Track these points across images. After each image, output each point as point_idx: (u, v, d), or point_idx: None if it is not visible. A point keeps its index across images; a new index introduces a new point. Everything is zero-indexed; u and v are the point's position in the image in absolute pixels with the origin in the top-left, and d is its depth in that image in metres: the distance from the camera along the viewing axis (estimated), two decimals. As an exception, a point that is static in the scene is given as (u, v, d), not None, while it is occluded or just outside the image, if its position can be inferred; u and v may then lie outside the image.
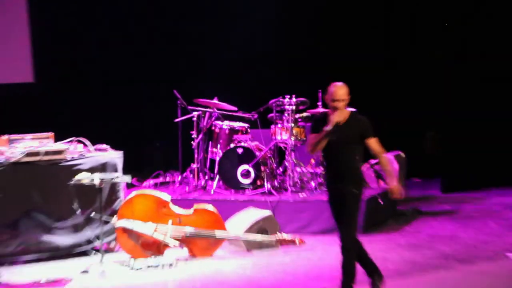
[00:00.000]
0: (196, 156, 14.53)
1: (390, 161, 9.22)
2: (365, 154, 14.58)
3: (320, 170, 14.12)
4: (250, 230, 11.92)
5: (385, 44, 19.31)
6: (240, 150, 13.91)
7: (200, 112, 14.55)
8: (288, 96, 14.12)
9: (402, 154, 15.13)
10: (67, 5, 19.11)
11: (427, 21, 18.47)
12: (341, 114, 9.45)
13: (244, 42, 18.51)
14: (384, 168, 9.67)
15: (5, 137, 11.77)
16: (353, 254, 9.27)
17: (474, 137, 16.62)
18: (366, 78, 17.92)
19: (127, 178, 12.22)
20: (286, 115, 13.91)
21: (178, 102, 14.67)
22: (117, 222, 11.55)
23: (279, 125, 13.93)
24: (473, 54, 17.16)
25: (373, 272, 9.49)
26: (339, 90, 9.66)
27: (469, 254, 11.28)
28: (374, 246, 11.82)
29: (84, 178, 11.49)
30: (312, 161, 14.33)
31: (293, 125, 13.88)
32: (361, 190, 9.48)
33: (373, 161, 14.75)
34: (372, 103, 16.36)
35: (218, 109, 14.64)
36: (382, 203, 13.62)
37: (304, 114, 14.29)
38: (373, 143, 9.51)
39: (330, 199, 9.51)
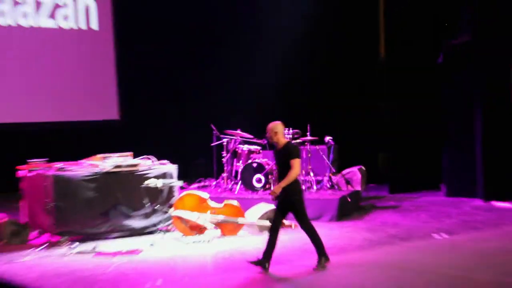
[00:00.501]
0: (225, 168, 14.65)
1: (291, 177, 8.90)
2: (339, 166, 14.89)
3: (306, 178, 14.24)
4: (261, 217, 12.10)
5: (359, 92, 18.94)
6: (254, 165, 14.05)
7: (228, 139, 14.67)
8: (287, 129, 13.87)
9: (363, 168, 15.22)
10: (141, 65, 19.11)
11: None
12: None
13: (257, 95, 18.52)
14: (287, 179, 9.24)
15: (100, 155, 11.97)
16: (315, 231, 9.45)
17: (410, 154, 16.69)
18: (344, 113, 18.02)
19: (180, 183, 12.63)
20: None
21: (214, 132, 14.84)
22: (173, 212, 11.83)
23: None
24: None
25: (321, 253, 9.43)
26: (267, 128, 9.69)
27: (407, 234, 11.48)
28: (344, 229, 12.15)
29: (151, 183, 11.86)
30: (302, 171, 14.28)
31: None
32: (300, 195, 9.50)
33: (344, 172, 14.92)
34: (345, 130, 16.41)
35: (241, 137, 14.74)
36: (349, 200, 13.79)
37: (298, 140, 14.10)
38: (292, 162, 9.23)
39: (283, 203, 9.54)
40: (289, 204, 9.48)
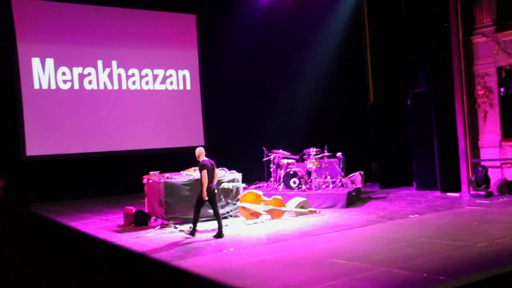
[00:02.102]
0: (272, 175, 14.38)
1: (203, 182, 9.80)
2: (346, 172, 14.73)
3: (325, 180, 14.11)
4: (296, 206, 11.90)
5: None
6: (291, 172, 13.77)
7: (274, 155, 14.39)
8: (312, 148, 13.93)
9: (362, 172, 14.95)
10: (217, 109, 19.27)
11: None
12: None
13: (291, 125, 18.55)
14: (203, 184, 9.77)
15: (192, 168, 11.79)
16: (219, 215, 9.97)
17: (392, 162, 16.41)
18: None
19: (243, 185, 12.44)
20: (311, 156, 13.90)
21: (264, 151, 14.60)
22: (239, 203, 11.69)
23: (308, 160, 13.90)
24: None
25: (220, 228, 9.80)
26: (196, 152, 10.12)
27: (392, 215, 11.20)
28: (351, 213, 11.87)
29: (225, 185, 11.72)
30: (323, 176, 14.18)
31: (314, 160, 13.81)
32: (209, 193, 9.84)
33: (350, 175, 14.72)
34: (349, 148, 16.34)
35: (282, 154, 14.47)
36: (354, 194, 13.52)
37: (319, 155, 14.03)
38: (201, 174, 9.78)
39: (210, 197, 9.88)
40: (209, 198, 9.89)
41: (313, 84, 18.98)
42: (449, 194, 13.97)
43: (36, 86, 16.40)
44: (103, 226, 11.71)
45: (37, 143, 16.29)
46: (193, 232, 9.98)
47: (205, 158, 10.04)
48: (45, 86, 16.53)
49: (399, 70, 16.19)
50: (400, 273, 6.67)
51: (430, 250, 7.84)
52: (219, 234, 9.80)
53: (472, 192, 13.72)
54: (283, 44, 19.32)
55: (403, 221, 10.55)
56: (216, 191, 10.16)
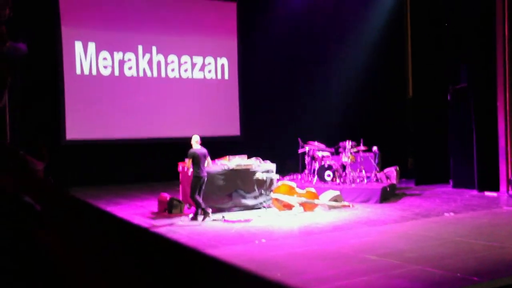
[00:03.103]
0: (307, 167, 14.36)
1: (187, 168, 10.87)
2: (382, 167, 14.60)
3: (360, 174, 14.02)
4: (330, 200, 11.84)
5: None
6: (326, 165, 13.71)
7: (309, 147, 14.35)
8: (347, 141, 13.82)
9: (398, 168, 14.84)
10: (254, 100, 19.27)
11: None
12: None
13: (327, 118, 18.47)
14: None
15: (227, 157, 11.94)
16: (198, 201, 10.40)
17: (429, 158, 16.17)
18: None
19: (277, 176, 12.41)
20: (347, 149, 13.81)
21: (299, 143, 14.56)
22: (272, 195, 11.68)
23: (343, 154, 13.82)
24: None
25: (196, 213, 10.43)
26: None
27: (427, 213, 11.06)
28: (385, 209, 11.76)
29: (259, 176, 11.73)
30: (358, 170, 14.09)
31: (349, 154, 13.70)
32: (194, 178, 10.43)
33: (385, 170, 14.61)
34: (385, 142, 16.20)
35: (317, 146, 14.42)
36: (388, 189, 13.38)
37: (354, 149, 13.96)
38: (186, 160, 10.52)
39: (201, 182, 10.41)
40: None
41: (351, 76, 18.85)
42: (486, 193, 13.71)
43: (78, 71, 16.66)
44: (137, 212, 11.85)
45: (77, 128, 16.56)
46: (195, 216, 10.46)
47: (197, 147, 10.57)
48: (86, 72, 16.78)
49: (440, 64, 15.94)
50: (433, 271, 6.59)
51: (465, 250, 7.71)
52: (194, 217, 10.46)
53: (511, 192, 13.46)
54: (322, 35, 19.20)
55: (438, 219, 10.41)
56: (205, 179, 10.56)
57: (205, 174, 10.56)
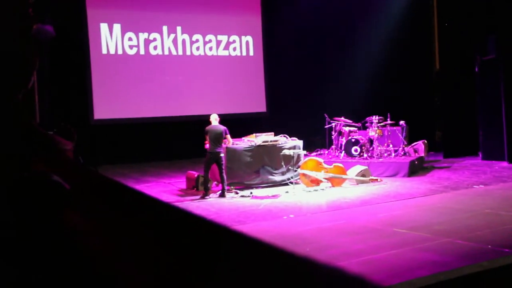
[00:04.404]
0: (334, 142, 14.31)
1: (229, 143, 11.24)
2: (409, 141, 14.50)
3: (388, 148, 13.92)
4: (357, 174, 11.82)
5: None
6: (353, 140, 13.59)
7: (335, 123, 14.27)
8: (374, 116, 13.74)
9: (425, 141, 14.73)
10: (280, 76, 19.21)
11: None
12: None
13: (355, 93, 18.32)
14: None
15: (254, 134, 11.91)
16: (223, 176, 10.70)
17: (457, 131, 15.93)
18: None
19: (304, 152, 12.41)
20: (373, 123, 13.71)
21: (326, 119, 14.48)
22: (300, 170, 11.68)
23: (370, 128, 13.73)
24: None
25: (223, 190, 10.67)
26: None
27: (456, 185, 10.97)
28: (413, 182, 11.69)
29: (286, 152, 11.72)
30: (385, 145, 13.99)
31: (376, 128, 13.61)
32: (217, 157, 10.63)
33: (413, 144, 14.53)
34: (413, 116, 16.04)
35: (344, 122, 14.32)
36: (416, 163, 13.32)
37: (381, 123, 13.86)
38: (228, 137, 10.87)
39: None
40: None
41: (377, 50, 18.61)
42: (517, 165, 13.55)
43: (104, 51, 16.78)
44: (166, 189, 11.98)
45: (105, 107, 16.72)
46: (205, 193, 10.66)
47: (214, 124, 10.80)
48: (112, 51, 16.89)
49: (467, 35, 15.62)
50: (463, 244, 6.54)
51: (495, 221, 7.64)
52: (222, 194, 10.65)
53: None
54: (348, 9, 18.94)
55: (467, 191, 10.34)
56: (222, 155, 10.68)
57: (219, 150, 10.67)
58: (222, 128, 10.72)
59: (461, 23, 15.75)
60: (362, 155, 13.40)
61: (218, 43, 18.56)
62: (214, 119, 10.85)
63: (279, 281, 0.69)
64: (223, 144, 10.88)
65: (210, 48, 18.44)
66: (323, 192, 10.99)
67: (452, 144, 15.95)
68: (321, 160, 11.92)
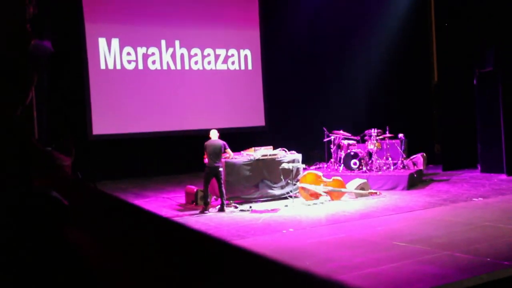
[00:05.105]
0: (333, 156, 14.27)
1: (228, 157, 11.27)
2: (408, 153, 14.50)
3: (386, 161, 13.92)
4: (357, 188, 11.81)
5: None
6: (352, 153, 13.58)
7: (334, 136, 14.25)
8: (373, 129, 13.73)
9: (424, 154, 14.74)
10: (278, 91, 19.23)
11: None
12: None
13: (353, 107, 18.37)
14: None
15: (253, 148, 11.89)
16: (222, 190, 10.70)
17: (456, 144, 15.96)
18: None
19: (303, 166, 12.41)
20: (372, 137, 13.71)
21: (325, 132, 14.45)
22: (299, 184, 11.66)
23: (369, 141, 13.73)
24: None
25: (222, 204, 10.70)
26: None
27: (455, 198, 10.97)
28: (412, 196, 11.69)
29: (285, 166, 11.72)
30: (384, 158, 13.99)
31: (375, 141, 13.61)
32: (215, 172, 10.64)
33: (411, 157, 14.53)
34: (412, 129, 16.06)
35: (342, 135, 14.30)
36: (415, 176, 13.32)
37: (380, 137, 13.85)
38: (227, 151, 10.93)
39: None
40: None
41: (375, 63, 18.68)
42: (516, 177, 13.56)
43: (103, 66, 16.80)
44: (165, 204, 11.95)
45: (103, 122, 16.71)
46: (205, 207, 10.64)
47: (214, 139, 10.86)
48: (111, 66, 16.91)
49: (465, 48, 15.69)
50: (462, 257, 6.53)
51: (494, 234, 7.63)
52: (221, 208, 10.67)
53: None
54: (346, 23, 19.00)
55: (467, 204, 10.33)
56: (220, 169, 10.71)
57: (218, 165, 10.69)
58: (221, 142, 10.73)
59: (459, 36, 15.83)
60: (361, 168, 13.38)
61: (217, 57, 18.60)
62: (214, 135, 10.89)
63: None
64: (222, 158, 10.89)
65: (209, 62, 18.47)
66: (323, 206, 10.98)
67: (451, 157, 15.95)
68: (320, 173, 11.90)
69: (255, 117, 19.02)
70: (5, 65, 0.96)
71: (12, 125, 0.91)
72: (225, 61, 18.76)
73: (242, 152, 12.07)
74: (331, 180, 11.71)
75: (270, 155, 11.85)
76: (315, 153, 16.32)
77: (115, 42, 16.94)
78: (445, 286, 5.48)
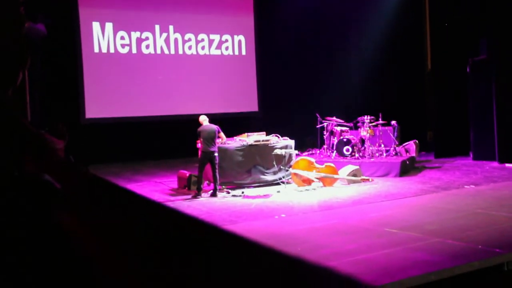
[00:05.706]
0: (325, 142, 14.32)
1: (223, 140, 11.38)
2: (401, 140, 14.53)
3: (379, 148, 13.95)
4: (349, 174, 11.84)
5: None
6: (345, 139, 13.62)
7: (327, 123, 14.29)
8: (366, 116, 13.76)
9: (417, 141, 14.79)
10: (272, 76, 19.19)
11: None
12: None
13: (346, 93, 18.38)
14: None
15: (245, 134, 11.93)
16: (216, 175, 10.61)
17: (448, 131, 16.01)
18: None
19: (295, 152, 12.40)
20: (365, 123, 13.74)
21: (318, 118, 14.50)
22: (291, 170, 11.69)
23: (362, 128, 13.77)
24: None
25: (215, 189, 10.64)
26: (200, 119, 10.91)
27: (447, 186, 11.01)
28: (404, 183, 11.72)
29: (278, 151, 11.73)
30: (377, 144, 14.03)
31: (368, 128, 13.65)
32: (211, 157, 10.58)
33: (404, 144, 14.58)
34: (404, 116, 16.08)
35: (335, 122, 14.35)
36: (408, 163, 13.37)
37: (373, 123, 13.88)
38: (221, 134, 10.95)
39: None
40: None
41: (369, 50, 18.68)
42: (507, 165, 13.60)
43: (96, 50, 16.73)
44: (157, 188, 11.96)
45: (96, 106, 16.67)
46: (198, 193, 10.57)
47: (206, 124, 10.81)
48: (104, 50, 16.84)
49: (459, 36, 15.71)
50: (454, 244, 6.57)
51: (486, 221, 7.66)
52: (214, 194, 10.63)
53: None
54: (340, 10, 18.97)
55: (458, 192, 10.36)
56: (216, 154, 10.62)
57: (213, 149, 10.63)
58: (215, 127, 10.72)
59: (453, 24, 15.83)
60: (354, 155, 13.42)
61: (211, 42, 18.55)
62: (205, 120, 10.85)
63: (270, 281, 0.69)
64: (216, 143, 10.88)
65: (203, 47, 18.43)
66: (315, 192, 11.00)
67: (444, 144, 16.02)
68: (312, 159, 11.92)
69: (248, 103, 19.02)
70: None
71: (3, 105, 0.90)
72: (219, 46, 18.72)
73: (235, 137, 12.07)
74: (323, 166, 11.72)
75: (263, 140, 11.85)
76: (308, 139, 16.33)
77: (109, 26, 16.85)
78: (436, 272, 5.51)
